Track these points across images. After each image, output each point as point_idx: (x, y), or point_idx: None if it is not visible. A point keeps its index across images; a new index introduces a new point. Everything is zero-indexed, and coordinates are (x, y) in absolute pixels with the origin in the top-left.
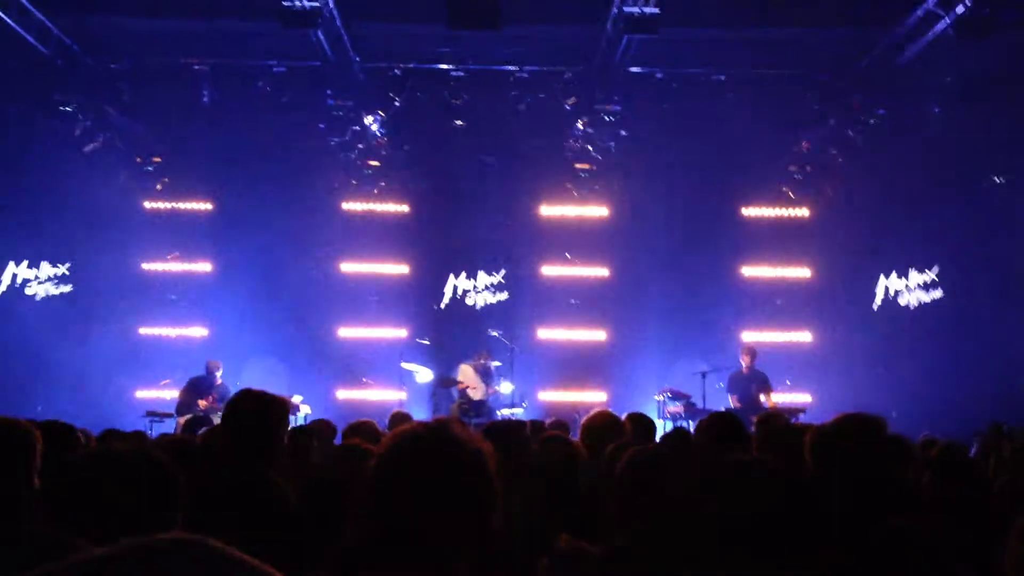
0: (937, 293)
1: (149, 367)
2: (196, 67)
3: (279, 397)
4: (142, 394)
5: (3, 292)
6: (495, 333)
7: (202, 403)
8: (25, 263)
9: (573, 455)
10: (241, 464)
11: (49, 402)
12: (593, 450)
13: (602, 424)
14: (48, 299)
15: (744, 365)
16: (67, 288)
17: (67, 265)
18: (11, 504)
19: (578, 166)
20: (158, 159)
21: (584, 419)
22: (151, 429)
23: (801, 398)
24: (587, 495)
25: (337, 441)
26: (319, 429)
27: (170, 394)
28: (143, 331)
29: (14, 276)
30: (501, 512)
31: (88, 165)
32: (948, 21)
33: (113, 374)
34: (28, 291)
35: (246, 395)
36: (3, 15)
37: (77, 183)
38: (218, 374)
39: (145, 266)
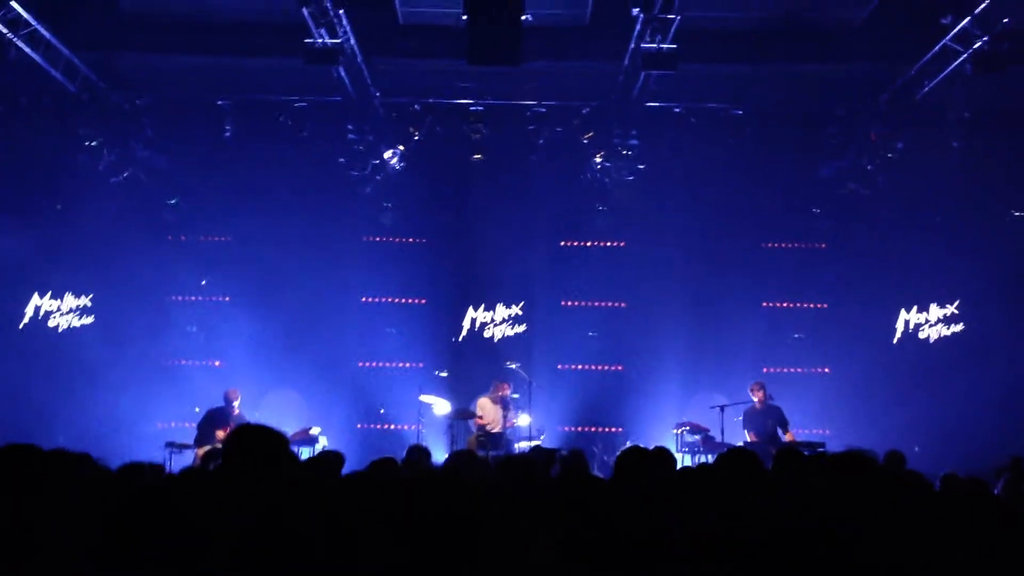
0: (958, 327)
1: (169, 398)
2: (219, 102)
3: (277, 432)
4: (163, 424)
5: (27, 323)
6: (513, 366)
7: (220, 434)
8: (49, 295)
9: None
10: (241, 498)
11: (70, 433)
12: (625, 485)
13: (635, 460)
14: (71, 330)
15: (756, 400)
16: (89, 320)
17: (90, 297)
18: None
19: (596, 200)
20: (180, 193)
21: (618, 455)
22: (170, 460)
23: (819, 432)
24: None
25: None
26: (327, 461)
27: (191, 424)
28: (163, 362)
29: (37, 308)
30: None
31: (112, 198)
32: (966, 56)
33: (134, 405)
34: (51, 323)
35: (243, 431)
36: (30, 51)
37: (100, 216)
38: (236, 404)
39: (166, 298)
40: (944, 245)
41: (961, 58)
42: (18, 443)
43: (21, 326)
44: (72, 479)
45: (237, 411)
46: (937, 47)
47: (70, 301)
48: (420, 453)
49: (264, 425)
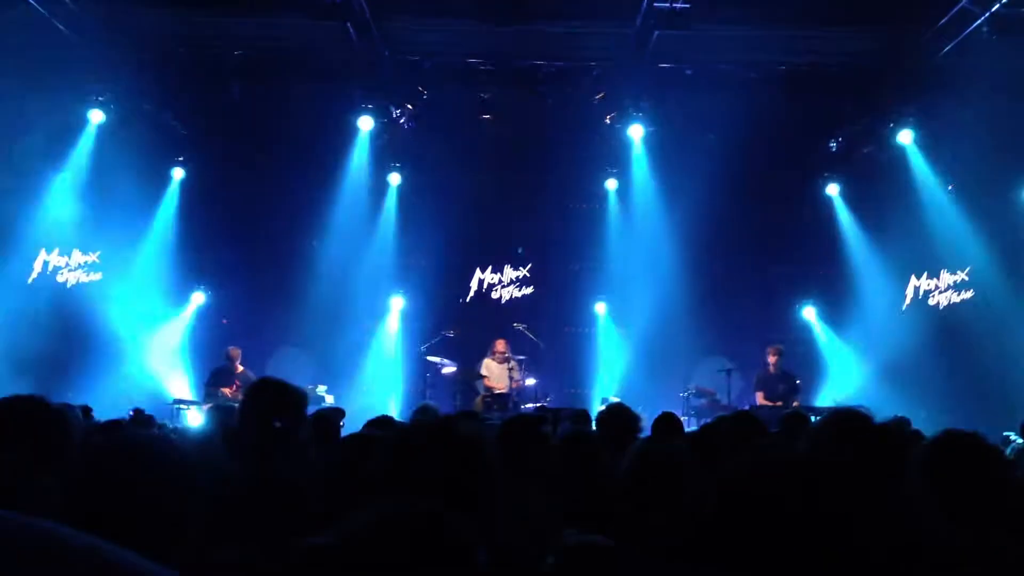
0: (968, 294)
1: (178, 355)
2: (226, 58)
3: (295, 387)
4: (170, 382)
5: (35, 279)
6: (520, 327)
7: (226, 391)
8: (56, 250)
9: (593, 451)
10: (256, 453)
11: (80, 389)
12: (608, 442)
13: (617, 416)
14: (79, 286)
15: (771, 364)
16: (97, 276)
17: (97, 253)
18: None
19: (605, 162)
20: (187, 151)
21: (599, 412)
22: (177, 416)
23: (828, 398)
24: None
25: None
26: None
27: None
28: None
29: (45, 263)
30: (503, 505)
31: (118, 153)
32: (984, 19)
33: (142, 361)
34: (59, 278)
35: (263, 384)
36: (35, 2)
37: (107, 170)
38: (237, 361)
39: (172, 254)
40: (956, 211)
41: (979, 20)
42: (22, 395)
43: (30, 280)
44: (71, 432)
45: (240, 368)
46: (955, 9)
47: (78, 257)
48: (428, 413)
49: (282, 380)
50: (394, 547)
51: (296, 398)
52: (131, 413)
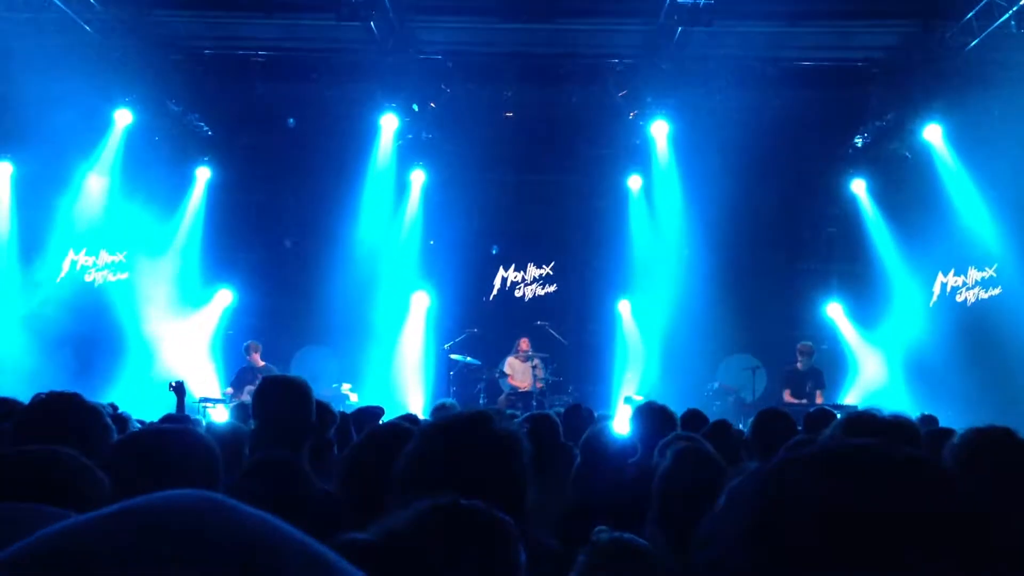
0: (996, 290)
1: (204, 354)
2: (252, 58)
3: (299, 380)
4: (197, 380)
5: (63, 279)
6: (542, 323)
7: (250, 388)
8: (84, 250)
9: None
10: (267, 449)
11: (106, 388)
12: (642, 441)
13: (652, 416)
14: (106, 285)
15: (799, 362)
16: (124, 275)
17: (124, 253)
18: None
19: (629, 158)
20: (211, 151)
21: (633, 410)
22: (204, 415)
23: (853, 395)
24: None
25: None
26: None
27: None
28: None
29: (73, 263)
30: (532, 497)
31: (145, 153)
32: (1011, 12)
33: (168, 361)
34: (87, 278)
35: (268, 382)
36: (63, 5)
37: (134, 170)
38: (257, 355)
39: (199, 254)
40: (983, 207)
41: (1007, 14)
42: (59, 391)
43: (58, 280)
44: (109, 428)
45: (261, 363)
46: (982, 3)
47: (105, 257)
48: (447, 412)
49: (288, 376)
50: (440, 544)
51: (299, 390)
52: (172, 384)
